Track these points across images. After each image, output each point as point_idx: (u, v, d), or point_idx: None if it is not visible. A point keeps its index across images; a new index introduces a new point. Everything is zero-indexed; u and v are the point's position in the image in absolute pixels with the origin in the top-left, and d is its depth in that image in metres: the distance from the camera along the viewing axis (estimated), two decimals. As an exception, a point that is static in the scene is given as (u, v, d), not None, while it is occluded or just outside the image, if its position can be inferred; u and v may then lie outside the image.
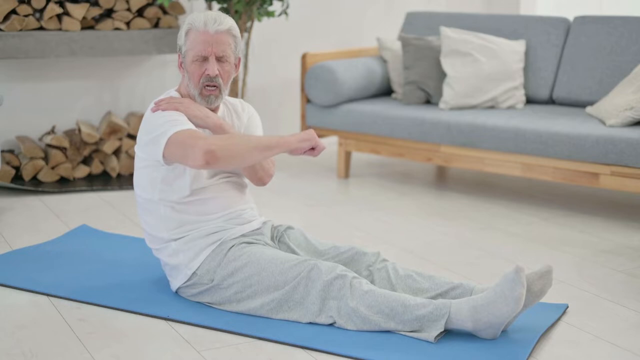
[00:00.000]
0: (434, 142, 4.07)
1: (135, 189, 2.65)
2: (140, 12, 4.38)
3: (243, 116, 2.75)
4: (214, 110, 2.64)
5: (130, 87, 4.65)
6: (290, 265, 2.47)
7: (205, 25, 2.53)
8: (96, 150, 4.38)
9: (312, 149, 2.52)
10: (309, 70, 4.42)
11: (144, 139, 2.52)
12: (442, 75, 4.26)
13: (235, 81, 4.50)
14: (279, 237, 2.72)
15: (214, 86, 2.56)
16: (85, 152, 4.33)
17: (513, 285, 2.29)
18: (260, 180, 2.71)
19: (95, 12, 4.26)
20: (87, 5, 4.19)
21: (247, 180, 2.76)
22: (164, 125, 2.45)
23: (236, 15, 4.38)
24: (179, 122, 2.45)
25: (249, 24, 4.51)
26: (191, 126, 2.47)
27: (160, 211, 2.58)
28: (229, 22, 2.56)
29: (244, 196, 2.71)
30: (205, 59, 2.54)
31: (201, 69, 2.54)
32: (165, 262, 2.63)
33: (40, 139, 4.36)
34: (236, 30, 2.58)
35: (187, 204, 2.57)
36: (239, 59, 2.65)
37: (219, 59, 2.54)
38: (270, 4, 4.45)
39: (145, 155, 2.54)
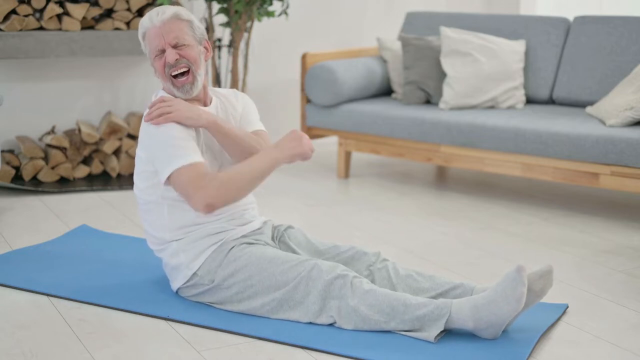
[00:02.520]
0: (434, 142, 4.07)
1: (136, 191, 2.63)
2: (140, 12, 4.38)
3: (238, 106, 2.73)
4: (204, 101, 2.63)
5: (130, 87, 4.65)
6: (291, 265, 2.47)
7: (151, 20, 2.56)
8: (96, 150, 4.38)
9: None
10: (309, 70, 4.42)
11: (146, 153, 2.51)
12: (442, 75, 4.26)
13: (235, 81, 4.50)
14: (279, 237, 2.72)
15: (183, 69, 2.54)
16: (85, 152, 4.33)
17: (514, 284, 2.29)
18: None
19: (95, 12, 4.26)
20: (87, 5, 4.19)
21: None
22: (165, 152, 2.42)
23: (236, 15, 4.38)
24: (180, 151, 2.42)
25: (249, 24, 4.51)
26: (193, 154, 2.42)
27: (163, 211, 2.57)
28: (172, 9, 2.57)
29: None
30: (162, 51, 2.54)
31: (162, 61, 2.55)
32: (166, 262, 2.63)
33: (40, 139, 4.36)
34: (184, 14, 2.57)
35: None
36: (207, 41, 2.64)
37: (175, 47, 2.54)
38: (270, 4, 4.44)
39: (146, 165, 2.53)
